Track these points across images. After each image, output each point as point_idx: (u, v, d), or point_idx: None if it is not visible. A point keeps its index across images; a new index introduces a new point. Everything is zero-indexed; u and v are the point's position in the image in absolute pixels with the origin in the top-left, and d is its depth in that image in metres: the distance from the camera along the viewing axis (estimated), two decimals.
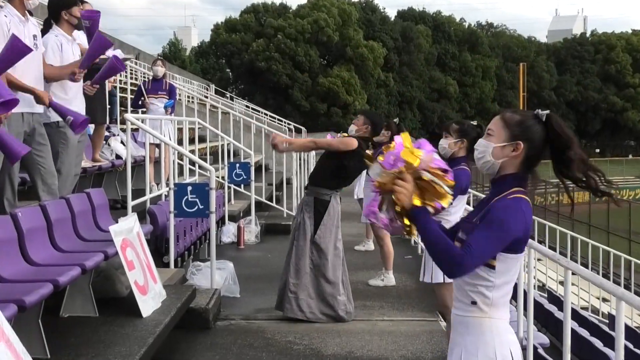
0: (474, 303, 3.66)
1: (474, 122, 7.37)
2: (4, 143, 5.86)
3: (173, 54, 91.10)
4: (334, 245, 8.65)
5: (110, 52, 11.09)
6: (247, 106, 52.35)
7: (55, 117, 7.80)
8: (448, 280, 6.72)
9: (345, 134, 9.13)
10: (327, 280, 8.56)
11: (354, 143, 8.50)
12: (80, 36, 9.18)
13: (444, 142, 7.34)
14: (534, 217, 3.74)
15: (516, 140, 3.63)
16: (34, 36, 7.53)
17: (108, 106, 12.70)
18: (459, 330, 3.76)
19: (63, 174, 8.01)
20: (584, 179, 3.63)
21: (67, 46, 8.18)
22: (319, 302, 8.56)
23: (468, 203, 8.62)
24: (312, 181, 8.83)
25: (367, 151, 8.36)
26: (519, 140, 3.62)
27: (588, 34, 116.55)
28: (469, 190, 8.16)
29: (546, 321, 13.32)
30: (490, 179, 3.79)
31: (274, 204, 16.80)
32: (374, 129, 8.84)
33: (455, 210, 7.10)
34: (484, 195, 3.89)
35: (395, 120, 11.42)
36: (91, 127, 10.65)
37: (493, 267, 3.58)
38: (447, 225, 3.93)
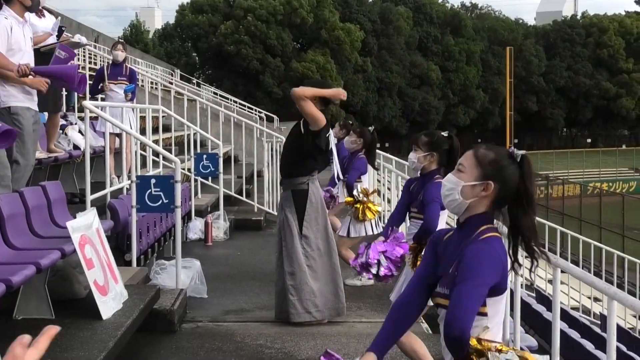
0: None
1: (445, 133, 7.37)
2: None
3: (135, 37, 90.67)
4: (325, 231, 8.65)
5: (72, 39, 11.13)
6: (215, 93, 52.21)
7: (6, 102, 7.85)
8: None
9: None
10: (327, 270, 8.58)
11: (323, 120, 8.49)
12: (32, 18, 9.19)
13: (412, 156, 7.36)
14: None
15: (488, 179, 3.66)
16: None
17: (64, 93, 12.66)
18: None
19: (21, 165, 8.02)
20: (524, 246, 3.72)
21: (18, 29, 8.14)
22: (325, 297, 8.59)
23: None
24: (284, 173, 8.82)
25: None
26: (491, 180, 3.66)
27: (579, 16, 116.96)
28: None
29: (534, 322, 13.41)
30: (457, 222, 3.83)
31: (244, 198, 16.80)
32: (322, 100, 8.71)
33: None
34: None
35: (370, 128, 11.53)
36: (45, 115, 10.62)
37: (485, 314, 3.61)
38: None
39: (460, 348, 3.50)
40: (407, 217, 7.65)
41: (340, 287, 8.72)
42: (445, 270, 3.74)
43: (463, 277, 3.51)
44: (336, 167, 10.56)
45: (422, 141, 7.32)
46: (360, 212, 10.93)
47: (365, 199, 11.02)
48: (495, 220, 3.73)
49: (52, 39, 10.71)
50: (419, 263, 6.97)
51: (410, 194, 7.45)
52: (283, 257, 8.57)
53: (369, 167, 11.74)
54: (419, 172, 7.40)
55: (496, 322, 3.67)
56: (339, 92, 8.72)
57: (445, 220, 7.50)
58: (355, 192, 11.04)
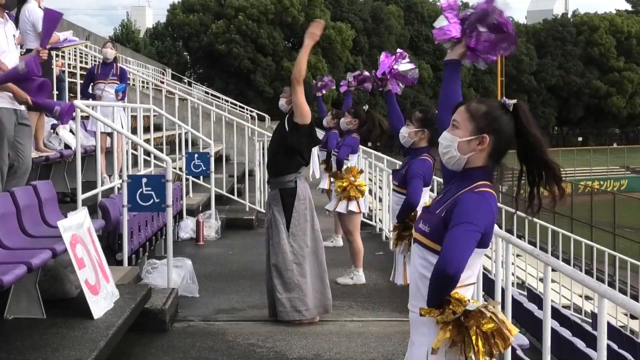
0: None
1: None
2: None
3: (126, 36, 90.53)
4: (312, 228, 8.65)
5: (63, 35, 11.11)
6: (206, 92, 52.22)
7: None
8: None
9: None
10: (314, 267, 8.58)
11: (309, 116, 8.50)
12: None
13: (404, 131, 7.37)
14: (511, 210, 3.79)
15: (482, 133, 3.67)
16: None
17: (56, 92, 12.64)
18: (421, 331, 3.76)
19: None
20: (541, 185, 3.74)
21: None
22: (312, 294, 8.59)
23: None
24: (271, 172, 8.80)
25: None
26: (485, 133, 3.66)
27: (570, 15, 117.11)
28: (434, 178, 8.21)
29: (525, 321, 13.42)
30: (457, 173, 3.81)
31: (235, 197, 16.80)
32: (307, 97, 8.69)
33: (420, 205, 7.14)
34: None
35: (364, 107, 11.47)
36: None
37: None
38: None
39: (446, 288, 3.52)
40: (391, 191, 7.65)
41: (327, 284, 8.71)
42: (434, 209, 3.75)
43: (459, 220, 3.53)
44: (314, 166, 10.63)
45: (415, 116, 7.33)
46: (348, 190, 10.95)
47: (352, 177, 11.05)
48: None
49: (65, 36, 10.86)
50: (405, 243, 6.98)
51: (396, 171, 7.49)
52: (271, 256, 8.57)
53: (360, 153, 11.78)
54: (408, 147, 7.42)
55: (468, 276, 3.67)
56: (314, 33, 8.33)
57: (427, 198, 7.50)
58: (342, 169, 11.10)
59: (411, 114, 7.39)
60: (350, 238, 10.94)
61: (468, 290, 3.70)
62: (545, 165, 3.68)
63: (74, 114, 8.87)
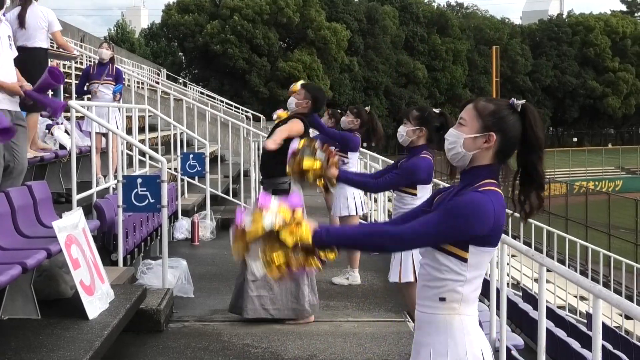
0: (442, 300, 3.65)
1: (437, 110, 7.38)
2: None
3: (121, 37, 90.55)
4: None
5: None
6: (201, 92, 52.18)
7: None
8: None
9: (282, 113, 8.99)
10: None
11: (301, 128, 8.47)
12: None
13: (402, 129, 7.37)
14: (508, 211, 3.76)
15: (489, 131, 3.65)
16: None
17: (51, 92, 12.60)
18: (426, 330, 3.74)
19: None
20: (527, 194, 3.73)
21: None
22: (283, 296, 8.52)
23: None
24: (265, 173, 8.78)
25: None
26: (492, 131, 3.64)
27: (565, 15, 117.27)
28: (433, 180, 8.19)
29: (520, 321, 13.44)
30: (461, 171, 3.80)
31: (230, 198, 16.79)
32: (314, 105, 8.71)
33: (420, 203, 7.13)
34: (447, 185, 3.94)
35: (367, 108, 11.46)
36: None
37: (465, 260, 3.58)
38: None
39: (370, 248, 3.69)
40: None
41: (302, 290, 8.60)
42: (436, 207, 3.73)
43: (444, 207, 3.56)
44: None
45: (412, 115, 7.33)
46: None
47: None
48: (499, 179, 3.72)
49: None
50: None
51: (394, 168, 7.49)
52: None
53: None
54: (406, 146, 7.42)
55: (475, 275, 3.65)
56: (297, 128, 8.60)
57: (427, 195, 7.49)
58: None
59: (408, 113, 7.39)
60: None
61: (475, 288, 3.70)
62: (534, 170, 3.69)
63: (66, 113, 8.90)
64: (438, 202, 3.75)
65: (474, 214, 3.49)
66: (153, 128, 19.86)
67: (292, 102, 8.75)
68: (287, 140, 8.44)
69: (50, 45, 12.10)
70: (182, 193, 15.41)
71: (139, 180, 9.16)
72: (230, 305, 8.71)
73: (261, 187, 9.07)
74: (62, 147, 11.52)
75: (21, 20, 10.99)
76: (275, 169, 8.58)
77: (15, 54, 8.19)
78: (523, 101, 3.70)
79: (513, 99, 3.72)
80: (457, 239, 3.54)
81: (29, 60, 9.79)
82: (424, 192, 7.33)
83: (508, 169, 3.76)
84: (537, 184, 3.69)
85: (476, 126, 3.68)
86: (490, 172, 3.67)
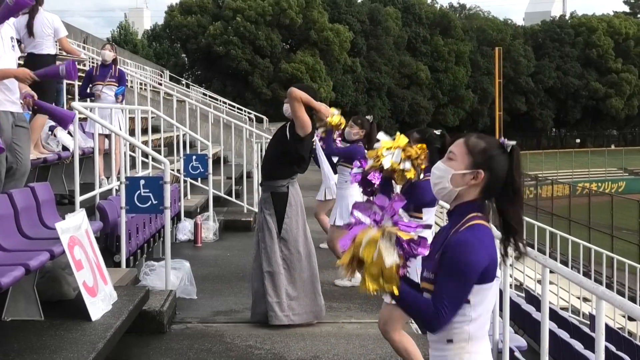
0: (450, 341, 3.66)
1: (438, 132, 7.36)
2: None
3: (123, 38, 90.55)
4: (304, 234, 8.65)
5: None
6: (204, 94, 52.22)
7: None
8: None
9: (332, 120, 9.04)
10: (305, 273, 8.56)
11: (310, 127, 8.51)
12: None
13: None
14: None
15: (478, 168, 3.66)
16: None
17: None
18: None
19: None
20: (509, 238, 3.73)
21: None
22: (302, 300, 8.56)
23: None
24: (265, 175, 8.79)
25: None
26: (481, 169, 3.66)
27: (567, 16, 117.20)
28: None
29: (523, 322, 13.44)
30: (447, 211, 3.82)
31: (233, 199, 16.79)
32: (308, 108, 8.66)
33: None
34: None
35: (368, 117, 11.42)
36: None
37: (468, 302, 3.59)
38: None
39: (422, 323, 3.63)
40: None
41: (318, 291, 8.68)
42: (432, 253, 3.71)
43: (449, 272, 3.54)
44: (323, 172, 10.59)
45: (413, 138, 7.32)
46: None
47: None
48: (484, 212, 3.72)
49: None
50: None
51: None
52: (262, 258, 8.55)
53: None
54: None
55: (480, 313, 3.65)
56: (327, 111, 8.80)
57: (433, 218, 7.49)
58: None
59: (408, 136, 7.38)
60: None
61: (482, 325, 3.71)
62: (509, 216, 3.71)
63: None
64: (438, 257, 3.72)
65: (468, 257, 3.52)
66: (156, 129, 19.87)
67: (287, 109, 8.76)
68: (289, 147, 8.48)
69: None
70: (185, 194, 15.40)
71: (142, 182, 9.17)
72: (251, 313, 8.72)
73: (260, 188, 9.09)
74: (65, 148, 11.53)
75: (29, 29, 11.14)
76: (276, 172, 8.61)
77: (19, 54, 8.22)
78: (514, 142, 3.72)
79: (504, 139, 3.73)
80: (473, 284, 3.56)
81: (38, 67, 9.80)
82: (429, 215, 7.30)
83: (490, 208, 3.77)
84: (514, 230, 3.71)
85: (466, 162, 3.69)
86: (475, 207, 3.69)
